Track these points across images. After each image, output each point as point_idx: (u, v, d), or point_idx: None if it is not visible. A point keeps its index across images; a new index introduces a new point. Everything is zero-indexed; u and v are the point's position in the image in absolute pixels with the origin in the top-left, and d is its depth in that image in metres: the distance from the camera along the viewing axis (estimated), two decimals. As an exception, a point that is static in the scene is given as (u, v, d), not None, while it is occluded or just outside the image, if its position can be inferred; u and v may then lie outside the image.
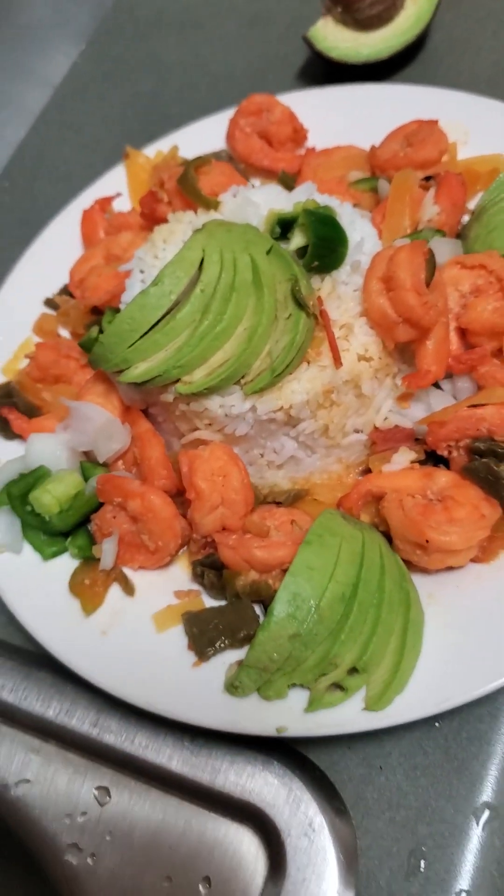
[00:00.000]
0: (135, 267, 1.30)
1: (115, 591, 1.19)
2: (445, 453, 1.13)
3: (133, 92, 1.99)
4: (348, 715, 1.01)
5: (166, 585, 1.20)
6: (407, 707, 1.00)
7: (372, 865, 1.02)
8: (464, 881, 1.00)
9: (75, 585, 1.19)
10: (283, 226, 1.22)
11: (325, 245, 1.17)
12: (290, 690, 1.04)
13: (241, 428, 1.17)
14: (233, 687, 1.04)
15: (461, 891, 0.99)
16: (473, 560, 1.10)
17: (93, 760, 1.15)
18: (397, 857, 1.02)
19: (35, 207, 1.83)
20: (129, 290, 1.28)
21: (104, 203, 1.56)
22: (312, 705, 1.02)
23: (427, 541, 1.04)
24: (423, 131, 1.40)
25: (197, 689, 1.07)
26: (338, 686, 1.02)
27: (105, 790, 1.13)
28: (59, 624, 1.16)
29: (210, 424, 1.19)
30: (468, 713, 1.08)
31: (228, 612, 1.12)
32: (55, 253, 1.56)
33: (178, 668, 1.09)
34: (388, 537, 1.12)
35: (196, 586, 1.19)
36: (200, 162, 1.39)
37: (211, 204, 1.31)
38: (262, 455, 1.22)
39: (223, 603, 1.15)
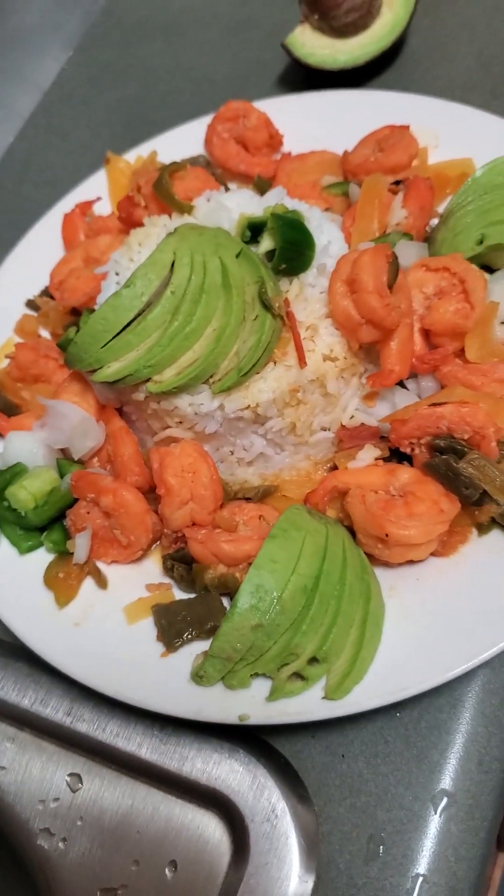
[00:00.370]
0: (111, 269, 1.33)
1: (88, 584, 1.23)
2: (408, 450, 1.16)
3: (118, 97, 2.03)
4: (308, 703, 1.04)
5: (139, 579, 1.23)
6: (365, 696, 1.03)
7: (332, 850, 1.05)
8: (421, 866, 1.02)
9: (50, 579, 1.23)
10: (254, 229, 1.26)
11: (292, 248, 1.20)
12: (254, 680, 1.07)
13: (210, 426, 1.20)
14: (198, 676, 1.07)
15: (418, 875, 1.02)
16: (434, 554, 1.13)
17: (66, 748, 1.18)
18: (357, 842, 1.05)
19: (22, 211, 1.87)
20: (105, 291, 1.31)
21: (84, 207, 1.60)
22: (274, 694, 1.05)
23: (387, 535, 1.07)
24: (393, 136, 1.44)
25: (165, 678, 1.10)
26: (299, 675, 1.05)
27: (77, 777, 1.16)
28: (34, 616, 1.20)
29: (181, 422, 1.22)
30: (428, 703, 1.11)
31: (197, 605, 1.15)
32: (37, 255, 1.59)
33: (147, 658, 1.13)
34: (353, 532, 1.15)
35: (167, 580, 1.22)
36: (175, 167, 1.43)
37: (184, 208, 1.34)
38: (232, 452, 1.26)
39: (193, 595, 1.18)
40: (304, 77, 1.83)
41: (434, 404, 1.12)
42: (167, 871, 1.08)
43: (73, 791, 1.15)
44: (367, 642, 1.05)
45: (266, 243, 1.23)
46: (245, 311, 1.16)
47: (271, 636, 1.03)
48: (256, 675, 1.07)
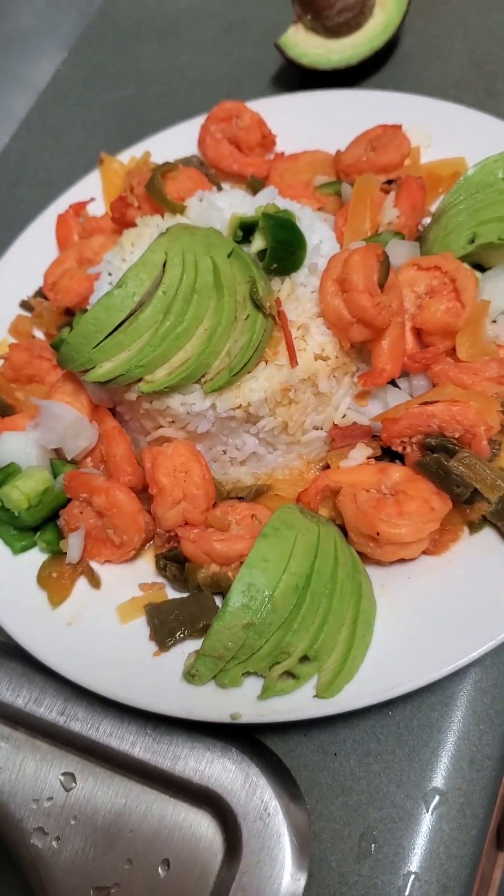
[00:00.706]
0: (103, 269, 1.34)
1: (81, 583, 1.23)
2: (400, 449, 1.16)
3: (113, 98, 2.03)
4: (300, 702, 1.04)
5: (132, 578, 1.24)
6: (357, 694, 1.03)
7: (324, 848, 1.05)
8: (413, 864, 1.03)
9: (43, 578, 1.23)
10: (245, 229, 1.26)
11: (283, 248, 1.20)
12: (245, 679, 1.07)
13: (202, 425, 1.21)
14: (190, 675, 1.07)
15: (410, 873, 1.02)
16: (425, 553, 1.13)
17: (59, 747, 1.18)
18: (349, 841, 1.05)
19: (16, 211, 1.88)
20: (97, 291, 1.32)
21: (78, 207, 1.60)
22: (265, 692, 1.05)
23: (378, 533, 1.07)
24: (386, 136, 1.44)
25: (157, 678, 1.10)
26: (290, 674, 1.06)
27: (71, 776, 1.16)
28: (28, 615, 1.20)
29: (173, 422, 1.23)
30: (420, 702, 1.11)
31: (189, 604, 1.15)
32: (31, 256, 1.60)
33: (140, 658, 1.13)
34: (345, 530, 1.15)
35: (160, 579, 1.23)
36: (168, 167, 1.43)
37: (177, 208, 1.35)
38: (224, 452, 1.26)
39: (186, 595, 1.19)
40: (298, 77, 1.83)
41: (425, 403, 1.12)
42: (160, 869, 1.08)
43: (67, 790, 1.15)
44: (359, 641, 1.05)
45: (257, 243, 1.23)
46: (236, 311, 1.17)
47: (263, 635, 1.03)
48: (248, 673, 1.07)
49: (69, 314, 1.48)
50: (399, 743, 1.09)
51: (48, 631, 1.18)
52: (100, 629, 1.17)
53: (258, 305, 1.16)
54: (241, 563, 1.12)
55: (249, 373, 1.18)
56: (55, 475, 1.27)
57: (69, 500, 1.25)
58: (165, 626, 1.13)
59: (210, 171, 1.57)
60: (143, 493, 1.23)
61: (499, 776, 1.07)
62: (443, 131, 1.48)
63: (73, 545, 1.21)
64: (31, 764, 1.18)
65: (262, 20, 2.01)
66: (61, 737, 1.17)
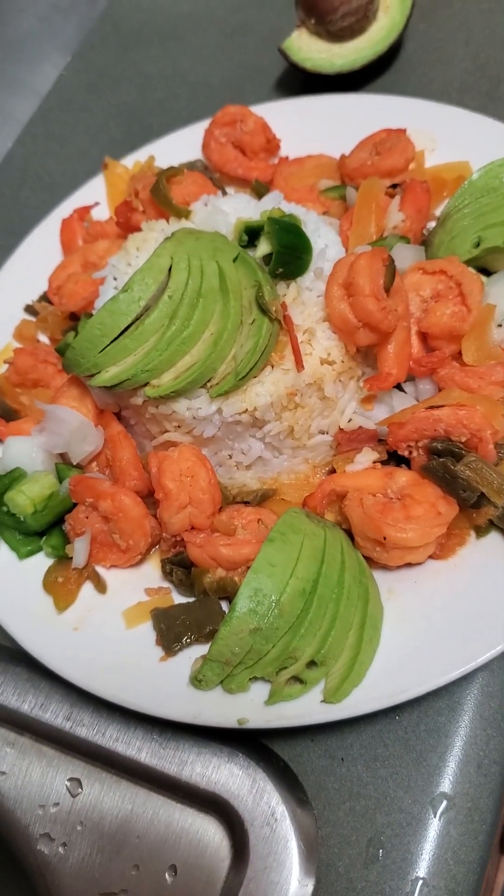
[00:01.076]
0: (108, 274, 1.34)
1: (87, 588, 1.23)
2: (406, 453, 1.16)
3: (116, 103, 2.04)
4: (307, 707, 1.04)
5: (138, 583, 1.23)
6: (364, 699, 1.03)
7: (332, 853, 1.05)
8: (421, 869, 1.02)
9: (49, 583, 1.23)
10: (251, 234, 1.26)
11: (289, 252, 1.20)
12: (252, 684, 1.07)
13: (208, 430, 1.21)
14: (197, 680, 1.07)
15: (418, 878, 1.02)
16: (432, 557, 1.13)
17: (65, 753, 1.18)
18: (356, 846, 1.05)
19: (20, 217, 1.88)
20: (103, 296, 1.32)
21: (82, 212, 1.60)
22: (273, 698, 1.05)
23: (385, 538, 1.07)
24: (390, 140, 1.44)
25: (164, 683, 1.10)
26: (297, 679, 1.06)
27: (77, 781, 1.16)
28: (33, 620, 1.20)
29: (179, 427, 1.23)
30: (427, 706, 1.11)
31: (195, 609, 1.15)
32: (36, 260, 1.60)
33: (146, 663, 1.13)
34: (351, 535, 1.15)
35: (166, 584, 1.23)
36: (173, 172, 1.43)
37: (182, 213, 1.35)
38: (230, 456, 1.26)
39: (192, 599, 1.19)
40: (301, 81, 1.83)
41: (431, 407, 1.12)
42: (167, 875, 1.07)
43: (73, 796, 1.15)
44: (366, 645, 1.05)
45: (263, 247, 1.23)
46: (242, 315, 1.17)
47: (270, 640, 1.03)
48: (255, 678, 1.07)
49: (74, 319, 1.49)
50: (406, 748, 1.09)
51: (54, 636, 1.18)
52: (106, 634, 1.17)
53: (264, 310, 1.16)
54: (248, 567, 1.12)
55: (255, 377, 1.18)
56: (61, 480, 1.27)
57: (75, 505, 1.25)
58: (172, 630, 1.13)
59: (214, 176, 1.58)
60: (149, 497, 1.23)
61: (507, 781, 1.07)
62: (447, 135, 1.48)
63: (79, 550, 1.21)
64: (37, 769, 1.18)
65: (265, 24, 2.01)
66: (67, 742, 1.17)
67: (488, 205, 1.27)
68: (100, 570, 1.24)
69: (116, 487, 1.21)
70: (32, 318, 1.54)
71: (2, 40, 2.32)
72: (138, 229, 1.40)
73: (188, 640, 1.12)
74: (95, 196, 1.65)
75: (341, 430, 1.24)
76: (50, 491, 1.26)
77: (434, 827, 1.04)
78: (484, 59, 1.72)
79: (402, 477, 1.14)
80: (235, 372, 1.15)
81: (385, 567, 1.14)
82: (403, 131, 1.46)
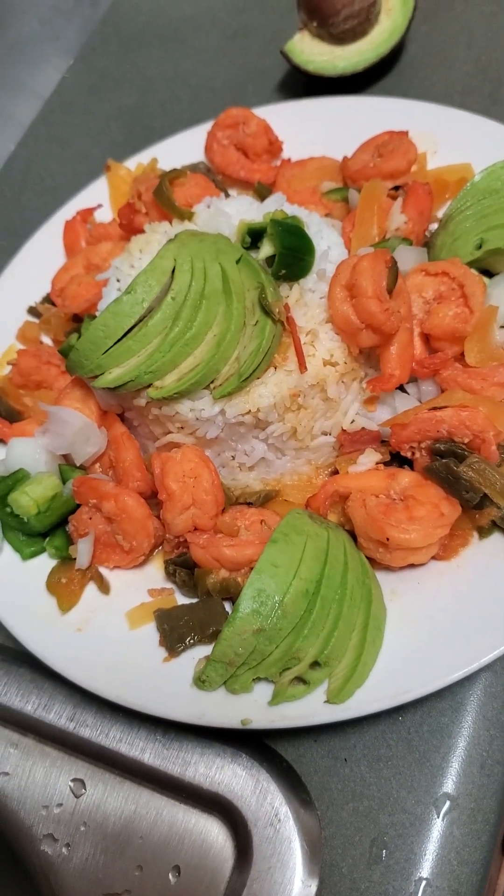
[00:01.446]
0: (112, 276, 1.34)
1: (90, 589, 1.23)
2: (409, 454, 1.16)
3: (118, 105, 2.04)
4: (310, 707, 1.04)
5: (142, 584, 1.24)
6: (367, 700, 1.03)
7: (335, 854, 1.05)
8: (424, 870, 1.03)
9: (52, 584, 1.23)
10: (254, 235, 1.26)
11: (291, 254, 1.21)
12: (256, 684, 1.07)
13: (211, 431, 1.21)
14: (200, 681, 1.07)
15: (421, 879, 1.02)
16: (435, 558, 1.13)
17: (69, 753, 1.18)
18: (360, 846, 1.05)
19: (22, 219, 1.89)
20: (106, 298, 1.32)
21: (85, 214, 1.61)
22: (276, 698, 1.05)
23: (388, 538, 1.07)
24: (392, 142, 1.44)
25: (167, 683, 1.10)
26: (301, 680, 1.06)
27: (80, 782, 1.16)
28: (37, 621, 1.20)
29: (182, 428, 1.23)
30: (430, 707, 1.11)
31: (199, 609, 1.16)
32: (39, 262, 1.60)
33: (149, 663, 1.13)
34: (354, 536, 1.15)
35: (169, 585, 1.23)
36: (175, 174, 1.44)
37: (185, 215, 1.35)
38: (233, 457, 1.26)
39: (195, 600, 1.19)
40: (304, 84, 1.84)
41: (434, 408, 1.13)
42: (171, 876, 1.08)
43: (77, 796, 1.15)
44: (369, 646, 1.05)
45: (266, 249, 1.24)
46: (245, 317, 1.17)
47: (273, 640, 1.03)
48: (258, 679, 1.07)
49: (77, 320, 1.49)
50: (409, 748, 1.09)
51: (57, 637, 1.18)
52: (109, 635, 1.18)
53: (267, 311, 1.16)
54: (251, 568, 1.12)
55: (258, 378, 1.18)
56: (64, 481, 1.28)
57: (78, 506, 1.26)
58: (175, 631, 1.13)
59: (217, 178, 1.58)
60: (152, 498, 1.24)
61: (510, 781, 1.07)
62: (449, 137, 1.48)
63: (83, 551, 1.21)
64: (41, 770, 1.18)
65: (266, 27, 2.02)
66: (71, 743, 1.17)
67: (490, 207, 1.28)
68: (103, 571, 1.25)
69: (120, 488, 1.21)
70: (35, 320, 1.55)
71: (3, 43, 2.32)
72: (141, 231, 1.40)
73: (191, 641, 1.13)
74: (98, 198, 1.66)
75: (344, 431, 1.25)
76: (53, 492, 1.26)
77: (437, 827, 1.05)
78: (486, 62, 1.73)
79: (405, 478, 1.14)
80: (238, 373, 1.15)
81: (388, 568, 1.14)
82: (405, 133, 1.46)
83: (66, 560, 1.25)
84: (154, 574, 1.25)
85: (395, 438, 1.15)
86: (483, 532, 1.13)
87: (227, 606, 1.16)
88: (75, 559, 1.23)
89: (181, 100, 1.98)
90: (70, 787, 1.16)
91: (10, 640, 1.23)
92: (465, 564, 1.12)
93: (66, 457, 1.31)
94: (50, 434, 1.29)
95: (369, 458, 1.19)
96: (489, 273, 1.29)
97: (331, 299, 1.18)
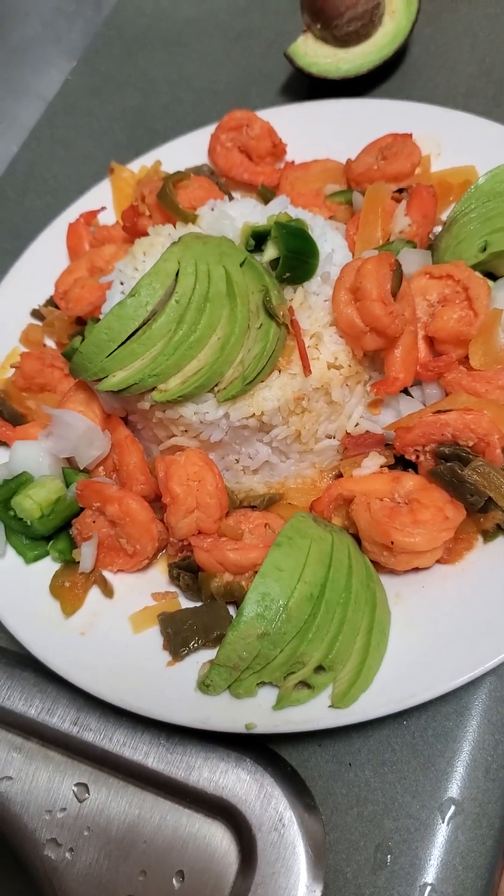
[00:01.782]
0: (115, 279, 1.34)
1: (94, 593, 1.23)
2: (413, 458, 1.16)
3: (122, 107, 2.04)
4: (315, 712, 1.04)
5: (145, 587, 1.23)
6: (372, 704, 1.03)
7: (340, 859, 1.05)
8: (429, 875, 1.02)
9: (56, 587, 1.23)
10: (258, 238, 1.26)
11: (296, 257, 1.21)
12: (260, 688, 1.07)
13: (215, 434, 1.21)
14: (204, 685, 1.07)
15: (426, 884, 1.02)
16: (440, 561, 1.13)
17: (72, 758, 1.18)
18: (364, 852, 1.05)
19: (25, 221, 1.88)
20: (110, 301, 1.32)
21: (89, 217, 1.60)
22: (280, 703, 1.05)
23: (392, 542, 1.07)
24: (396, 145, 1.44)
25: (171, 687, 1.10)
26: (305, 684, 1.05)
27: (84, 786, 1.16)
28: (40, 625, 1.20)
29: (186, 431, 1.23)
30: (435, 711, 1.11)
31: (203, 613, 1.15)
32: (42, 265, 1.60)
33: (153, 667, 1.13)
34: (358, 539, 1.15)
35: (173, 588, 1.22)
36: (179, 177, 1.44)
37: (189, 217, 1.35)
38: (237, 460, 1.26)
39: (199, 604, 1.18)
40: (307, 86, 1.84)
41: (438, 411, 1.12)
42: (175, 881, 1.07)
43: (80, 801, 1.15)
44: (374, 650, 1.05)
45: (270, 252, 1.23)
46: (250, 320, 1.17)
47: (277, 644, 1.03)
48: (263, 683, 1.07)
49: (80, 323, 1.49)
50: (414, 753, 1.09)
51: (61, 640, 1.18)
52: (113, 639, 1.17)
53: (271, 314, 1.16)
54: (255, 572, 1.12)
55: (263, 382, 1.18)
56: (68, 484, 1.27)
57: (82, 510, 1.25)
58: (179, 635, 1.13)
59: (220, 180, 1.58)
60: (156, 502, 1.23)
61: (515, 786, 1.07)
62: (452, 140, 1.48)
63: (86, 554, 1.21)
64: (44, 774, 1.18)
65: (269, 29, 2.02)
66: (74, 747, 1.16)
67: (494, 209, 1.27)
68: (107, 574, 1.24)
69: (123, 492, 1.21)
70: (39, 323, 1.55)
71: (7, 45, 2.32)
72: (145, 234, 1.40)
73: (195, 645, 1.12)
74: (102, 201, 1.66)
75: (348, 434, 1.25)
76: (57, 495, 1.26)
77: (442, 832, 1.04)
78: (489, 64, 1.73)
79: (410, 481, 1.13)
80: (243, 376, 1.15)
81: (392, 571, 1.14)
82: (409, 136, 1.46)
83: (70, 563, 1.25)
84: (158, 578, 1.25)
85: (400, 442, 1.15)
86: (488, 536, 1.13)
87: (231, 610, 1.16)
88: (79, 563, 1.23)
89: (184, 102, 1.98)
90: (73, 791, 1.16)
91: (13, 643, 1.23)
92: (469, 568, 1.12)
93: (69, 460, 1.31)
94: (53, 437, 1.29)
95: (373, 461, 1.19)
96: (493, 276, 1.28)
97: (335, 302, 1.18)
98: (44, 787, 1.17)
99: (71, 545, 1.26)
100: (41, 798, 1.17)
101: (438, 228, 1.40)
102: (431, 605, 1.10)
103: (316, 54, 1.71)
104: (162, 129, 1.92)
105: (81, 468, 1.29)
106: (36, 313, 1.55)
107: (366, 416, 1.24)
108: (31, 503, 1.24)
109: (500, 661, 1.01)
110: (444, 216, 1.41)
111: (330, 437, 1.25)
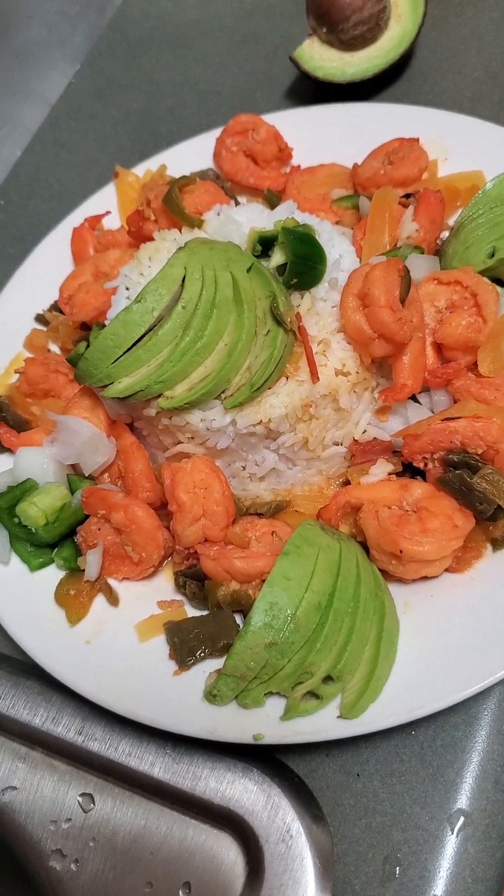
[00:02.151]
0: (121, 284, 1.33)
1: (99, 601, 1.22)
2: (421, 465, 1.15)
3: (126, 111, 2.03)
4: (323, 722, 1.03)
5: (150, 596, 1.22)
6: (380, 715, 1.02)
7: (348, 871, 1.04)
8: (438, 887, 1.01)
9: (61, 596, 1.22)
10: (264, 244, 1.25)
11: (303, 263, 1.20)
12: (268, 699, 1.06)
13: (222, 441, 1.20)
14: (211, 695, 1.06)
15: (435, 896, 1.01)
16: (448, 570, 1.12)
17: (77, 767, 1.17)
18: (373, 863, 1.04)
19: (29, 225, 1.88)
20: (115, 306, 1.31)
21: (93, 221, 1.60)
22: (288, 713, 1.04)
23: (401, 551, 1.06)
24: (403, 149, 1.43)
25: (177, 697, 1.09)
26: (313, 694, 1.05)
27: (89, 797, 1.15)
28: (45, 633, 1.19)
29: (192, 438, 1.22)
30: (444, 721, 1.10)
31: (209, 622, 1.14)
32: (47, 269, 1.59)
33: (159, 676, 1.12)
34: (366, 548, 1.14)
35: (179, 597, 1.22)
36: (185, 181, 1.43)
37: (195, 222, 1.34)
38: (244, 468, 1.25)
39: (205, 613, 1.17)
40: (313, 90, 1.83)
41: (447, 419, 1.11)
42: (181, 892, 1.06)
43: (86, 811, 1.14)
44: (382, 660, 1.04)
45: (277, 257, 1.22)
46: (257, 326, 1.16)
47: (285, 654, 1.02)
48: (270, 693, 1.06)
49: (85, 328, 1.48)
50: (423, 763, 1.08)
51: (66, 649, 1.17)
52: (118, 647, 1.16)
53: (278, 320, 1.15)
54: (262, 580, 1.11)
55: (270, 388, 1.17)
56: (72, 491, 1.26)
57: (87, 517, 1.24)
58: (185, 644, 1.12)
59: (226, 185, 1.57)
60: (162, 509, 1.23)
61: (525, 798, 1.06)
62: (459, 144, 1.47)
63: (91, 562, 1.20)
64: (49, 784, 1.17)
65: (274, 33, 2.01)
66: (79, 757, 1.16)
67: (502, 214, 1.26)
68: (112, 582, 1.23)
69: (129, 499, 1.20)
70: (43, 328, 1.54)
71: (10, 48, 2.32)
72: (150, 239, 1.39)
73: (202, 654, 1.11)
74: (106, 205, 1.65)
75: (356, 441, 1.24)
76: (62, 502, 1.25)
77: (451, 844, 1.03)
78: (496, 68, 1.72)
79: (418, 489, 1.13)
80: (250, 383, 1.14)
81: (401, 580, 1.13)
82: (416, 140, 1.45)
83: (75, 571, 1.24)
84: (164, 586, 1.24)
85: (408, 449, 1.14)
86: (497, 544, 1.12)
87: (238, 619, 1.15)
88: (84, 570, 1.22)
89: (189, 105, 1.97)
90: (79, 801, 1.15)
91: (18, 652, 1.22)
92: (478, 577, 1.11)
93: (74, 467, 1.30)
94: (58, 444, 1.28)
95: (381, 468, 1.18)
96: (502, 282, 1.27)
97: (343, 308, 1.17)
98: (48, 797, 1.16)
99: (76, 553, 1.25)
100: (46, 808, 1.16)
101: (446, 234, 1.39)
102: (440, 615, 1.09)
103: (322, 58, 1.70)
104: (166, 133, 1.92)
105: (86, 475, 1.28)
106: (40, 318, 1.54)
107: (373, 423, 1.24)
108: (35, 510, 1.23)
109: (510, 671, 1.00)
110: (451, 221, 1.41)
111: (337, 444, 1.24)
